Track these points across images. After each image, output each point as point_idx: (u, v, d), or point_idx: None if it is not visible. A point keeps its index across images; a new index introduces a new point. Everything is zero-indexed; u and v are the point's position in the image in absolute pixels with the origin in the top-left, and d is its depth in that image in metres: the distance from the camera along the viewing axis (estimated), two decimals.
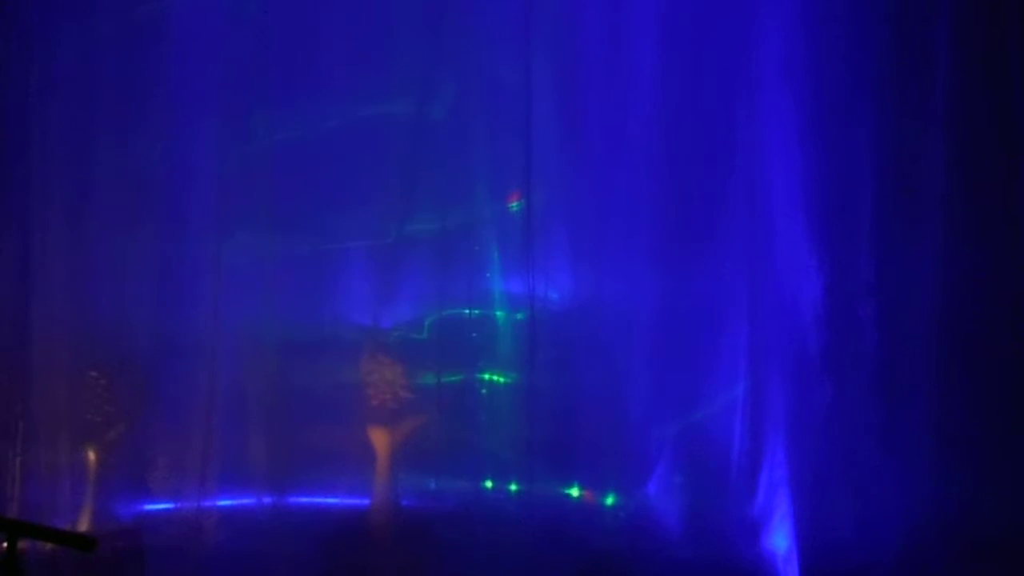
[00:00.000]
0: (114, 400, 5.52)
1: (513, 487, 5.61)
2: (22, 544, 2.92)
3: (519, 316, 5.56)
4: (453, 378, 5.74)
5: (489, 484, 5.64)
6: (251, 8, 5.62)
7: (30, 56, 5.42)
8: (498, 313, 5.73)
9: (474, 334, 5.73)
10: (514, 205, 5.67)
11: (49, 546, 4.41)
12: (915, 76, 5.41)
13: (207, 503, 5.42)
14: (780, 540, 5.21)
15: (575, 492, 5.72)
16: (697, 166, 5.54)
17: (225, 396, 5.52)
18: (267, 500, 5.54)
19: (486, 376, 5.77)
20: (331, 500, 5.71)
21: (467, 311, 5.71)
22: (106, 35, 5.54)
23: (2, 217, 5.45)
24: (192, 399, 5.50)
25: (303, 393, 5.71)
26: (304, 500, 5.64)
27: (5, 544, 2.98)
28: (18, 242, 5.40)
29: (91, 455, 5.46)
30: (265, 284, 5.67)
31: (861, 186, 5.41)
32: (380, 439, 5.70)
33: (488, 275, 5.76)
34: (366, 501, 5.70)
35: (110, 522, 5.41)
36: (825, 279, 5.30)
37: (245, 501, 5.56)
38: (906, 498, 5.31)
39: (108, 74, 5.53)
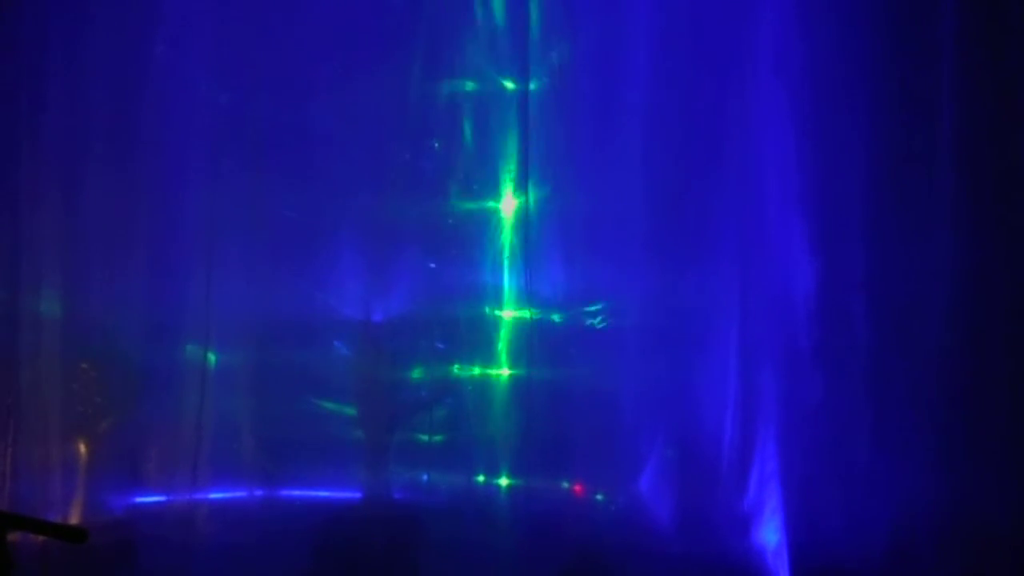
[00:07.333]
0: (105, 392, 5.51)
1: (505, 481, 5.63)
2: (13, 536, 2.91)
3: (512, 311, 5.56)
4: (447, 373, 5.75)
5: (481, 478, 5.65)
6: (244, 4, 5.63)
7: (23, 50, 5.40)
8: (491, 308, 5.73)
9: (467, 329, 5.73)
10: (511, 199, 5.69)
11: (40, 538, 4.40)
12: (911, 69, 5.40)
13: (199, 495, 5.42)
14: (770, 534, 5.23)
15: (566, 486, 5.74)
16: (691, 162, 5.54)
17: (217, 388, 5.52)
18: (258, 493, 5.56)
19: (478, 371, 5.77)
20: (322, 493, 5.72)
21: (461, 306, 5.71)
22: (98, 24, 5.51)
23: None
24: (183, 391, 5.50)
25: (295, 387, 5.72)
26: (296, 493, 5.65)
27: None
28: (8, 234, 5.37)
29: (82, 447, 5.46)
30: (257, 277, 5.68)
31: (854, 181, 5.41)
32: (372, 433, 5.71)
33: (482, 270, 5.77)
34: (357, 494, 5.72)
35: (101, 514, 5.41)
36: (818, 274, 5.30)
37: (237, 494, 5.57)
38: (896, 493, 5.32)
39: (100, 66, 5.51)
